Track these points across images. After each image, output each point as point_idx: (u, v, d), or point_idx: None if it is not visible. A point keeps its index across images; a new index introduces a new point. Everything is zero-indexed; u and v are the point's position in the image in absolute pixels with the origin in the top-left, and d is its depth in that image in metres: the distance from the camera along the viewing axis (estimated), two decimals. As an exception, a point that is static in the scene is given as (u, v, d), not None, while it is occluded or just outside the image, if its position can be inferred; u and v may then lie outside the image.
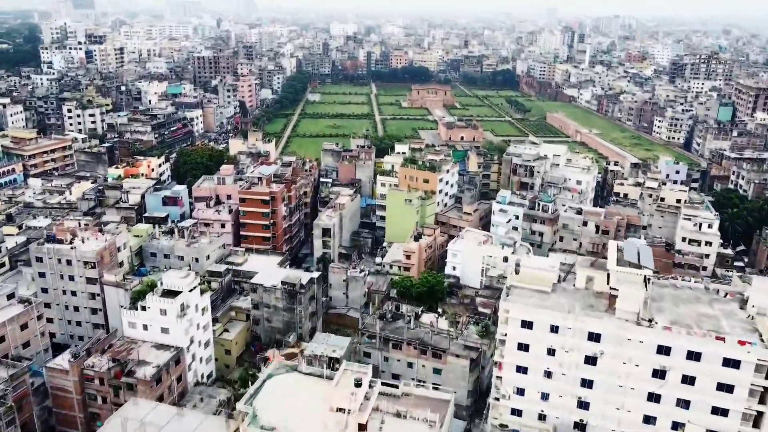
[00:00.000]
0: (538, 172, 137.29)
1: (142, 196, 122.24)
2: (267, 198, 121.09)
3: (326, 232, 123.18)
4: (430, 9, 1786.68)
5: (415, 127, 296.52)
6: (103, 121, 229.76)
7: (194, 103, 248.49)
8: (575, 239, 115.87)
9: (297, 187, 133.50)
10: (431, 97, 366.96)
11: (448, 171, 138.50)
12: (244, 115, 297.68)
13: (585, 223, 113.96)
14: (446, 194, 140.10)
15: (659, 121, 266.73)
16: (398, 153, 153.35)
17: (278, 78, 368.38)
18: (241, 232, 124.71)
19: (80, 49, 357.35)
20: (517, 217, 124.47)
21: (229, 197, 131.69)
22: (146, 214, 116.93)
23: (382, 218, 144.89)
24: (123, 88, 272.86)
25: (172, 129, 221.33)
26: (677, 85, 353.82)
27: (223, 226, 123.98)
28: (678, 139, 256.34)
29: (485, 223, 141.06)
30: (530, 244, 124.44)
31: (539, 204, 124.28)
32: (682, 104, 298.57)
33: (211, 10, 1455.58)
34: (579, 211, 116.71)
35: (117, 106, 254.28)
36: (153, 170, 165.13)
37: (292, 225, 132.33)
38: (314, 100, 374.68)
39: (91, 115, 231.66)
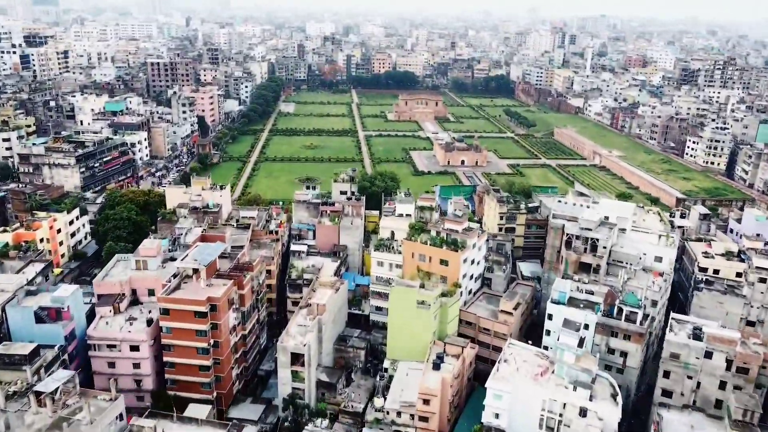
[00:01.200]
0: (604, 247, 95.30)
1: (2, 309, 77.00)
2: (204, 309, 77.04)
3: (297, 357, 79.48)
4: (409, 8, 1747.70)
5: (405, 147, 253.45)
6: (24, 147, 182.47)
7: (137, 124, 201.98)
8: (689, 376, 73.84)
9: (254, 275, 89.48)
10: (421, 108, 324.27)
11: (474, 245, 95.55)
12: (204, 134, 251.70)
13: (709, 354, 72.01)
14: (471, 277, 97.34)
15: (693, 143, 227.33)
16: (401, 215, 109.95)
17: (246, 86, 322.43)
18: (165, 357, 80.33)
19: (14, 52, 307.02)
20: (586, 327, 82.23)
21: (151, 293, 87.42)
22: (5, 344, 71.79)
23: (379, 309, 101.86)
24: (53, 103, 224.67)
25: (105, 159, 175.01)
26: (696, 95, 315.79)
27: (136, 348, 79.61)
28: (718, 164, 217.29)
29: (529, 325, 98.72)
30: (606, 368, 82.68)
31: (620, 307, 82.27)
32: (714, 120, 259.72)
33: (185, 8, 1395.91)
34: (697, 334, 74.37)
35: (42, 128, 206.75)
36: (60, 231, 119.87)
37: (246, 336, 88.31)
38: (288, 111, 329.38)
39: (5, 140, 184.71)
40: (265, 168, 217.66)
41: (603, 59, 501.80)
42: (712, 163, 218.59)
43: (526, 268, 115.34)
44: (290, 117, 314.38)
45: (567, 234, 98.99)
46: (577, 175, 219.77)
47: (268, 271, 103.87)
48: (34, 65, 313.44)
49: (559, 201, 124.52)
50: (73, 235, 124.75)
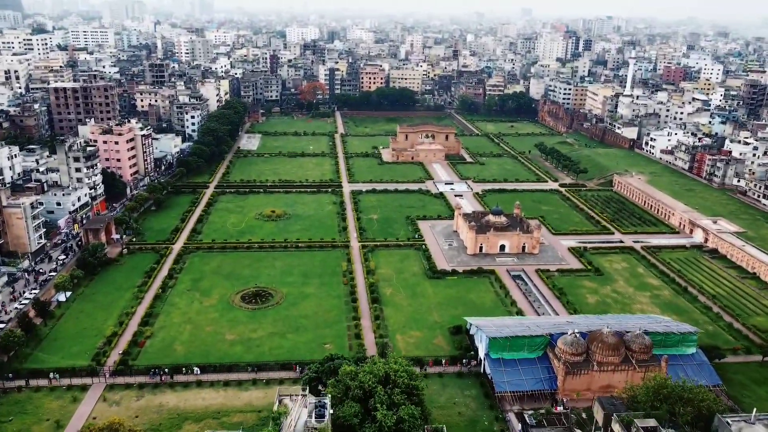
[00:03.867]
0: None
1: None
2: None
3: None
4: (399, 10, 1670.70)
5: (410, 212, 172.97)
6: None
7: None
8: None
9: None
10: (426, 144, 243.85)
11: None
12: (116, 198, 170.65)
13: None
14: None
15: None
16: None
17: (193, 117, 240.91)
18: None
19: None
20: None
21: None
22: None
23: None
24: None
25: None
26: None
27: None
28: None
29: None
30: None
31: None
32: None
33: (164, 12, 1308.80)
34: None
35: None
36: None
37: None
38: (249, 149, 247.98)
39: None
40: (194, 266, 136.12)
41: (624, 69, 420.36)
42: None
43: None
44: (251, 159, 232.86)
45: None
46: (681, 268, 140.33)
47: None
48: None
49: None
50: None
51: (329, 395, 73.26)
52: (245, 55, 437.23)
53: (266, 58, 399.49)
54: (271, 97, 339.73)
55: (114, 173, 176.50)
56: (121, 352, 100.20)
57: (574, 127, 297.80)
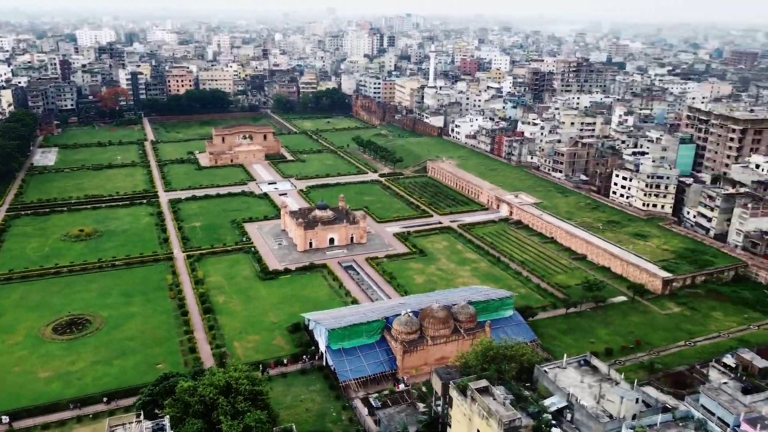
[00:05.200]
0: None
1: None
2: None
3: None
4: (201, 9, 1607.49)
5: (236, 216, 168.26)
6: None
7: None
8: None
9: None
10: (245, 145, 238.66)
11: None
12: None
13: None
14: None
15: (624, 179, 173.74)
16: None
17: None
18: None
19: None
20: None
21: None
22: None
23: None
24: None
25: None
26: (571, 106, 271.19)
27: None
28: (663, 207, 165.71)
29: None
30: None
31: None
32: (624, 142, 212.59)
33: None
34: None
35: None
36: None
37: None
38: (46, 164, 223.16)
39: None
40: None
41: (426, 63, 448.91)
42: (655, 205, 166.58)
43: None
44: (48, 176, 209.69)
45: None
46: (493, 240, 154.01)
47: None
48: None
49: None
50: None
51: (168, 416, 68.98)
52: (29, 62, 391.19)
53: (55, 64, 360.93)
54: (66, 106, 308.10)
55: None
56: None
57: (387, 119, 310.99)
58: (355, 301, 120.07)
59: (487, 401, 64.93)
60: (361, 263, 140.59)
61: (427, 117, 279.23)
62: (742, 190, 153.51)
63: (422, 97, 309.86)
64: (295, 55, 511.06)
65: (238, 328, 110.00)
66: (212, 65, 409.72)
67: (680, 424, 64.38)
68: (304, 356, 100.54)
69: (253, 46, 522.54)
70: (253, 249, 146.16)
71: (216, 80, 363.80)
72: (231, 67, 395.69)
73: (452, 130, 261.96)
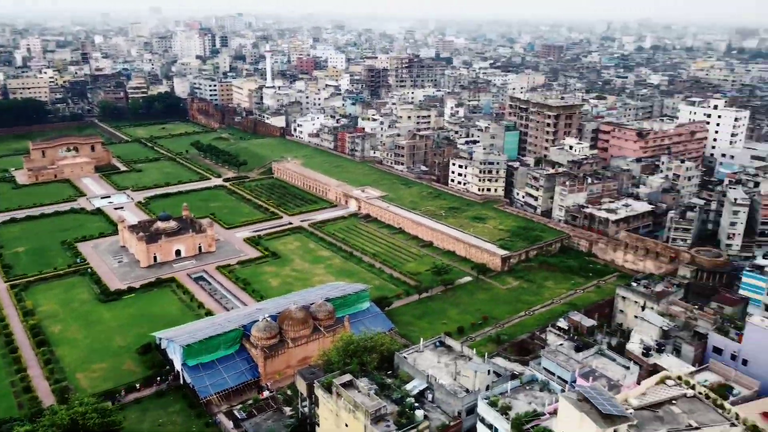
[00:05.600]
0: None
1: None
2: None
3: None
4: (3, 9, 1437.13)
5: (66, 236, 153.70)
6: None
7: None
8: None
9: None
10: (70, 158, 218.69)
11: None
12: None
13: None
14: None
15: (461, 167, 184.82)
16: None
17: None
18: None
19: None
20: None
21: None
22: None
23: None
24: None
25: None
26: (407, 100, 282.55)
27: None
28: (496, 190, 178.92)
29: None
30: None
31: None
32: (457, 133, 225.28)
33: None
34: None
35: None
36: None
37: None
38: None
39: None
40: None
41: (262, 63, 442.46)
42: (489, 189, 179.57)
43: None
44: None
45: None
46: (345, 236, 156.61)
47: None
48: None
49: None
50: None
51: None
52: None
53: None
54: None
55: None
56: None
57: (227, 122, 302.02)
58: (209, 313, 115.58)
59: (352, 395, 66.13)
60: (212, 273, 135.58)
61: (268, 118, 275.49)
62: (561, 169, 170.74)
63: (261, 97, 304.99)
64: (119, 59, 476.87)
65: (81, 358, 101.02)
66: (23, 72, 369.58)
67: (527, 387, 70.51)
68: (158, 377, 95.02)
69: (70, 50, 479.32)
70: (90, 270, 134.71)
71: (29, 88, 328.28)
72: (46, 73, 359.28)
73: (295, 130, 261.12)
